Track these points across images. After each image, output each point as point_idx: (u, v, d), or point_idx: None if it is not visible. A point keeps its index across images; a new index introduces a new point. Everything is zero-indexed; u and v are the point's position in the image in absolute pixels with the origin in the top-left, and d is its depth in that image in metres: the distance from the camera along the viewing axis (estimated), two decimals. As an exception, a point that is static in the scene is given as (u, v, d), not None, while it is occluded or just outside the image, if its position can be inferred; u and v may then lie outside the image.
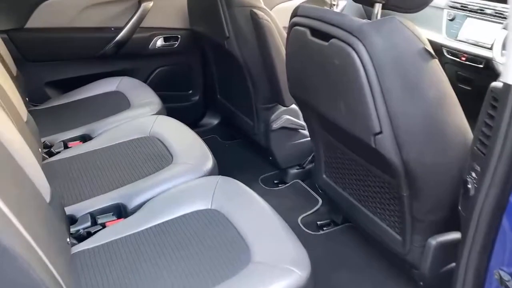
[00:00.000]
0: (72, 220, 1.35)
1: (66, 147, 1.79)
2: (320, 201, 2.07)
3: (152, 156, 1.61)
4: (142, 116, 1.92)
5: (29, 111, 2.02)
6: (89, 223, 1.33)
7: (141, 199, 1.40)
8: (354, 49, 1.14)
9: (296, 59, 1.45)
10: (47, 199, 1.15)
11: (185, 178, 1.47)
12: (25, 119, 1.59)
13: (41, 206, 1.08)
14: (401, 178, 1.25)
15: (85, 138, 1.84)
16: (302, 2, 1.45)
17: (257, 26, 1.82)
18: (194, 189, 1.41)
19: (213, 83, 2.49)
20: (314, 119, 1.60)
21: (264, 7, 1.86)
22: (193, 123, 2.67)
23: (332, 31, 1.21)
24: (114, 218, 1.37)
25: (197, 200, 1.34)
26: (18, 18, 2.14)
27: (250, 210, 1.30)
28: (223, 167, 2.30)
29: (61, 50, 2.25)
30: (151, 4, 2.35)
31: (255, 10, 1.81)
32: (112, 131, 1.81)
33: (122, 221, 1.34)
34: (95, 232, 1.30)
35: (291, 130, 2.11)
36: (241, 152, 2.51)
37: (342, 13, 1.23)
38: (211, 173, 1.53)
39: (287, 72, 1.56)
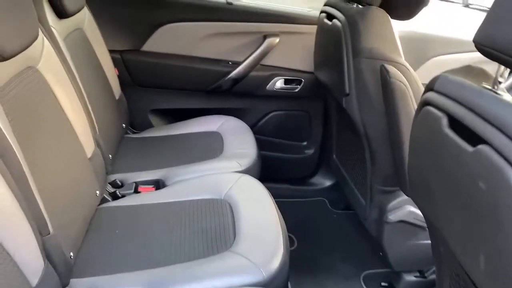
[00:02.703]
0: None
1: (136, 190, 1.57)
2: (438, 335, 1.47)
3: (211, 232, 1.28)
4: (228, 170, 1.62)
5: (124, 138, 1.91)
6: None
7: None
8: (519, 174, 0.62)
9: (421, 151, 0.94)
10: (34, 282, 0.89)
11: (236, 280, 1.11)
12: (89, 155, 1.40)
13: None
14: None
15: (158, 184, 1.61)
16: (452, 70, 0.93)
17: (386, 87, 1.34)
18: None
19: (331, 139, 2.07)
20: (441, 241, 1.06)
21: (403, 62, 1.37)
22: (301, 180, 2.31)
23: (483, 131, 0.69)
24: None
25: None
26: (135, 39, 2.04)
27: None
28: (322, 243, 1.91)
29: (172, 78, 2.09)
30: (277, 40, 2.04)
31: (387, 66, 1.33)
32: (187, 184, 1.55)
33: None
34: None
35: (414, 226, 1.56)
36: (350, 229, 2.04)
37: (508, 102, 0.70)
38: (273, 278, 1.12)
39: (409, 161, 1.06)
